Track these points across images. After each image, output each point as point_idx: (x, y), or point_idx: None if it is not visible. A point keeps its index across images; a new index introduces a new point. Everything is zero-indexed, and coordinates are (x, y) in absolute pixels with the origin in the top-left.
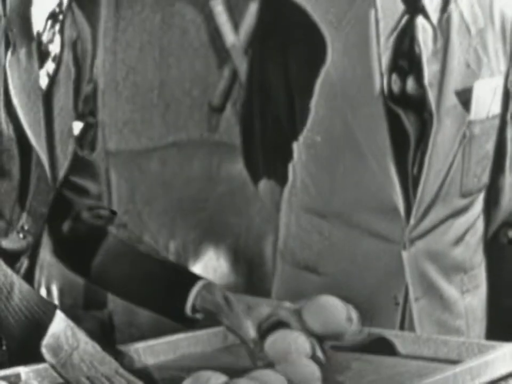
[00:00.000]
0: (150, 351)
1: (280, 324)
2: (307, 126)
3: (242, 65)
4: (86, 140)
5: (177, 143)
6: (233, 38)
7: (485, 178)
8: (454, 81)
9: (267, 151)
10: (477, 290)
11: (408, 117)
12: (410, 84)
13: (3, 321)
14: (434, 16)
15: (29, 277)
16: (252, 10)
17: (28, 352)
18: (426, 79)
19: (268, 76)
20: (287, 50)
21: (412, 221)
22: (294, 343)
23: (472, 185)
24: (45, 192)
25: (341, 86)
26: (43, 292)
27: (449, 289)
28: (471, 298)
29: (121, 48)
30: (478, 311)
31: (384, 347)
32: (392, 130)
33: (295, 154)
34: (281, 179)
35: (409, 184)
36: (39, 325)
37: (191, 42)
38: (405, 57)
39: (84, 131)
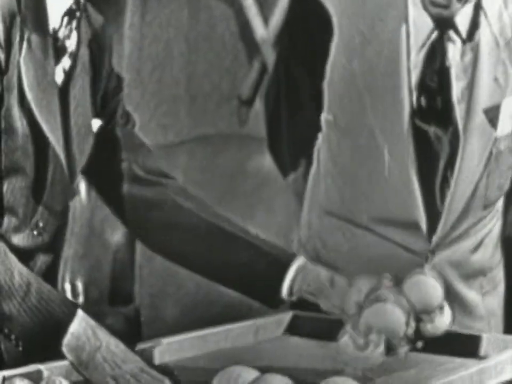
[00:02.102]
0: (178, 346)
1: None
2: (330, 129)
3: (271, 58)
4: None
5: (205, 137)
6: (263, 31)
7: (507, 187)
8: (482, 98)
9: (294, 143)
10: (495, 290)
11: (435, 134)
12: (438, 100)
13: (19, 321)
14: (463, 30)
15: (52, 272)
16: (281, 4)
17: (47, 352)
18: (455, 96)
19: (295, 70)
20: (314, 47)
21: (436, 238)
22: (391, 316)
23: (494, 196)
24: (61, 189)
25: (369, 99)
26: (67, 287)
27: (470, 294)
28: (491, 299)
29: (147, 43)
30: (498, 310)
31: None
32: (418, 147)
33: (319, 145)
34: (306, 171)
35: (434, 202)
36: (59, 325)
37: (220, 35)
38: (435, 73)
39: None
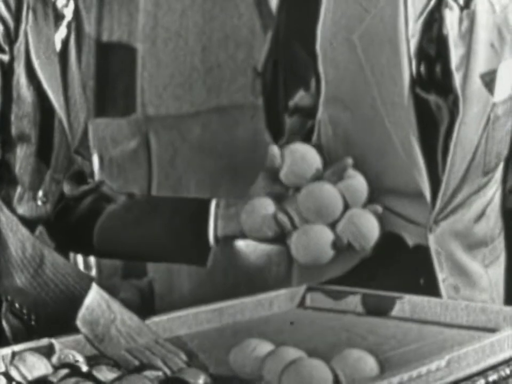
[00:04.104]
0: (193, 319)
1: None
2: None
3: None
4: None
5: (220, 108)
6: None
7: (505, 153)
8: (479, 64)
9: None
10: (497, 260)
11: (436, 102)
12: (437, 68)
13: (32, 294)
14: None
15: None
16: None
17: (62, 326)
18: (453, 64)
19: (293, 39)
20: (314, 16)
21: (438, 206)
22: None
23: (494, 163)
24: (63, 157)
25: (370, 69)
26: (80, 261)
27: (474, 266)
28: (494, 270)
29: (162, 13)
30: (500, 280)
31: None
32: (419, 116)
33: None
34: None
35: (436, 169)
36: (74, 298)
37: (235, 6)
38: (433, 42)
39: None
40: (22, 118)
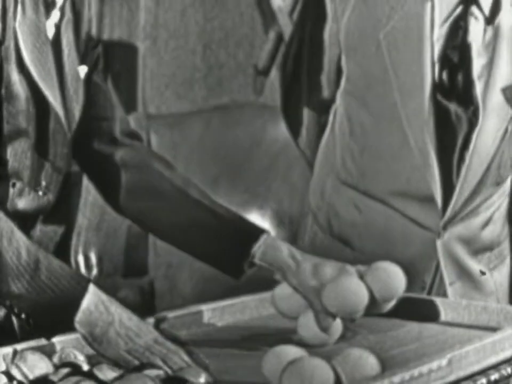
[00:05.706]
0: (193, 318)
1: None
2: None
3: (288, 27)
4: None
5: (221, 106)
6: (280, 0)
7: None
8: (501, 77)
9: (311, 110)
10: (503, 263)
11: (455, 111)
12: (459, 75)
13: (29, 300)
14: (486, 6)
15: (64, 244)
16: None
17: (59, 329)
18: (475, 72)
19: (314, 39)
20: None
21: (449, 214)
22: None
23: (507, 174)
24: (62, 146)
25: (393, 70)
26: (80, 259)
27: (479, 270)
28: (499, 273)
29: (163, 11)
30: (506, 283)
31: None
32: (437, 123)
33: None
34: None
35: (450, 177)
36: (70, 301)
37: (236, 4)
38: (457, 49)
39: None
40: (17, 114)
